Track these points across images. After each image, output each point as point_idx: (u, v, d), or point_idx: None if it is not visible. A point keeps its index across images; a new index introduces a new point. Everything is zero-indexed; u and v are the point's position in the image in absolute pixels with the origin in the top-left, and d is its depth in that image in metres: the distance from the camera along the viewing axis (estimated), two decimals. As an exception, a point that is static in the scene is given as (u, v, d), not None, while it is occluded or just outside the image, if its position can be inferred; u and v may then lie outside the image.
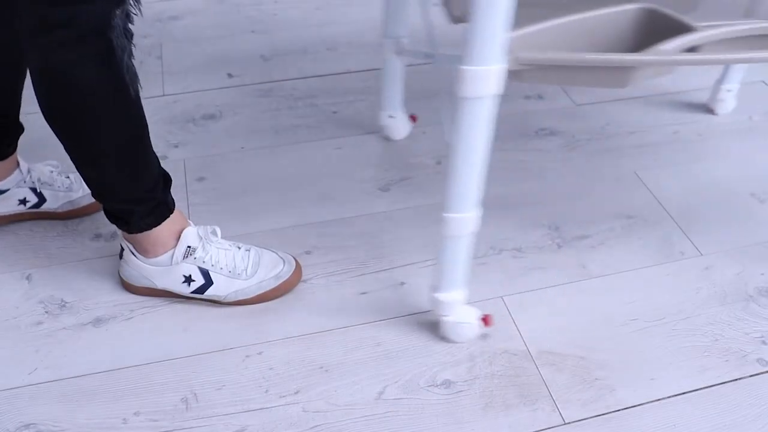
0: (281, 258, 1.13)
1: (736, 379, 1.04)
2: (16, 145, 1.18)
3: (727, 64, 1.46)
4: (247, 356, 1.05)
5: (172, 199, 1.08)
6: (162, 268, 1.08)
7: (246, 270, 1.10)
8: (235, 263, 1.10)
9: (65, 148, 0.97)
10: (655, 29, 0.89)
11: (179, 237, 1.07)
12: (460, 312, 1.05)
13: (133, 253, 1.08)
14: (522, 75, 0.86)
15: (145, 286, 1.10)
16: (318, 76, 1.63)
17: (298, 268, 1.14)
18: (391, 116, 1.42)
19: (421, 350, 1.07)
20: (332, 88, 1.60)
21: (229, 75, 1.63)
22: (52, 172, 1.22)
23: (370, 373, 1.04)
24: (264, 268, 1.11)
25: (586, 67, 0.86)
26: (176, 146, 1.42)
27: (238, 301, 1.11)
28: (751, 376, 1.05)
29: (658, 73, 0.89)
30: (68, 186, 1.23)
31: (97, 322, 1.10)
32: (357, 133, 1.47)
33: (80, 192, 1.23)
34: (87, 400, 1.00)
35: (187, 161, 1.38)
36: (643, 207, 1.32)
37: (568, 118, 1.53)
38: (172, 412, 0.98)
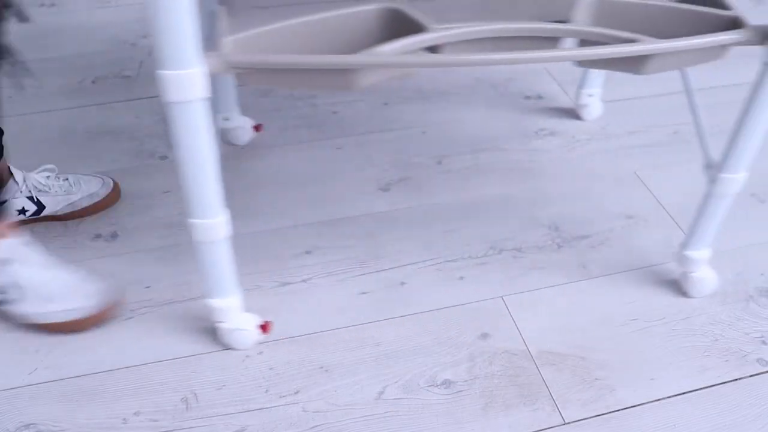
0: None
1: (736, 379, 1.04)
2: (1, 152, 1.16)
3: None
4: (247, 356, 1.05)
5: None
6: None
7: (59, 295, 1.05)
8: (50, 287, 1.05)
9: None
10: (399, 29, 0.85)
11: None
12: (236, 319, 1.03)
13: None
14: (244, 78, 0.82)
15: None
16: (318, 76, 1.63)
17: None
18: (226, 119, 1.37)
19: (421, 350, 1.07)
20: (332, 88, 1.60)
21: (229, 75, 1.63)
22: (48, 177, 1.22)
23: (370, 373, 1.04)
24: (74, 293, 1.06)
25: (308, 69, 0.80)
26: (176, 146, 1.42)
27: (45, 324, 1.06)
28: (751, 376, 1.05)
29: (390, 75, 0.83)
30: (66, 189, 1.22)
31: (97, 322, 1.10)
32: (357, 133, 1.47)
33: (79, 194, 1.23)
34: (87, 400, 1.00)
35: (187, 161, 1.38)
36: (643, 207, 1.32)
37: (568, 118, 1.53)
38: (172, 412, 0.98)
